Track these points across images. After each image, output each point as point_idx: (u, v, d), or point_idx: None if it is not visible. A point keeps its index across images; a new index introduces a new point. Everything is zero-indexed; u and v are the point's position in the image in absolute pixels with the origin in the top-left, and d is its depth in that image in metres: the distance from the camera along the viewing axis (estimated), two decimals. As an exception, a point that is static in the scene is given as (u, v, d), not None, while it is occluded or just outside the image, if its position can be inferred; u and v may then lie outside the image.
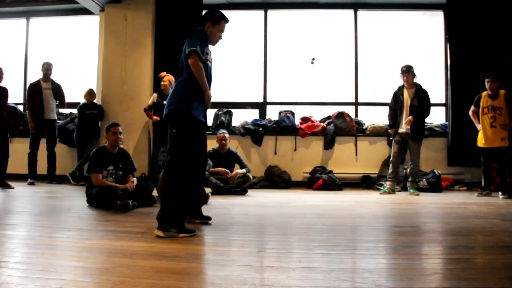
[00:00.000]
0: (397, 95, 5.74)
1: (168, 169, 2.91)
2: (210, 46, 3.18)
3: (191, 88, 2.99)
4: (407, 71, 5.64)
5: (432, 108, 7.00)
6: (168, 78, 5.73)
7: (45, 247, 2.58)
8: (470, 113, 5.69)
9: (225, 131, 5.83)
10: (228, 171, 5.45)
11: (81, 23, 7.58)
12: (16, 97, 7.56)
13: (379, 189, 5.85)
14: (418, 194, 5.46)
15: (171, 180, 2.89)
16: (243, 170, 5.58)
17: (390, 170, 5.71)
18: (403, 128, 5.63)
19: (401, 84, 5.75)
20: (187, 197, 3.00)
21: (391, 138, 5.88)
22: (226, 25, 3.23)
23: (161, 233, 2.82)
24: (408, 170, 5.72)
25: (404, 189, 5.89)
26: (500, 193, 5.34)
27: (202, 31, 3.10)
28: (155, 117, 5.75)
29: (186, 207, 3.00)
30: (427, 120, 6.80)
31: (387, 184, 5.69)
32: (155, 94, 5.95)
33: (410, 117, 5.53)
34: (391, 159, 5.78)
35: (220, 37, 3.23)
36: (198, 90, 3.00)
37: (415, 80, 5.68)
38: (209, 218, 3.32)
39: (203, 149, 3.18)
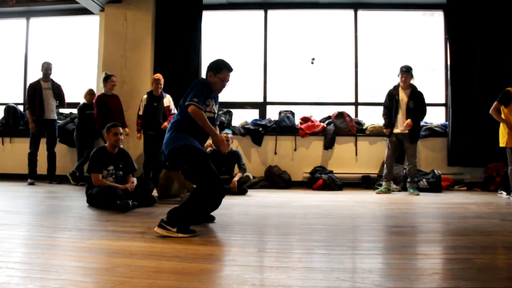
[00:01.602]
0: (392, 95, 5.69)
1: (201, 191, 2.95)
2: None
3: (185, 129, 3.11)
4: (407, 72, 5.59)
5: (432, 108, 7.08)
6: (161, 82, 5.83)
7: (45, 247, 2.58)
8: (493, 110, 5.25)
9: (229, 131, 5.81)
10: None
11: (81, 23, 7.58)
12: (16, 97, 7.58)
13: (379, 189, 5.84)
14: (418, 194, 5.45)
15: (204, 198, 2.94)
16: (240, 174, 5.58)
17: (385, 171, 5.71)
18: (399, 128, 5.60)
19: (397, 83, 5.71)
20: (209, 210, 3.09)
21: (386, 139, 5.84)
22: (230, 74, 3.24)
23: (160, 230, 2.84)
24: (406, 170, 5.71)
25: (404, 189, 5.88)
26: (505, 193, 5.30)
27: (201, 83, 3.16)
28: (138, 135, 5.89)
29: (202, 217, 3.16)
30: (426, 120, 6.84)
31: (384, 184, 5.71)
32: (144, 96, 5.95)
33: (409, 120, 5.49)
34: (385, 159, 5.76)
35: (223, 86, 3.25)
36: (192, 131, 3.11)
37: (412, 82, 5.63)
38: (213, 218, 3.35)
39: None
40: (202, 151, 3.13)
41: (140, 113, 5.88)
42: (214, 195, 2.96)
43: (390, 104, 5.69)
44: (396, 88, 5.70)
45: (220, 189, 2.98)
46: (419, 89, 5.67)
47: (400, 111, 5.61)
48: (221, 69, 3.20)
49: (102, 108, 5.96)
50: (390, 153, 5.70)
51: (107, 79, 6.04)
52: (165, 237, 2.80)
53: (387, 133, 5.73)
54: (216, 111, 3.30)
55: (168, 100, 5.95)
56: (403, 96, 5.62)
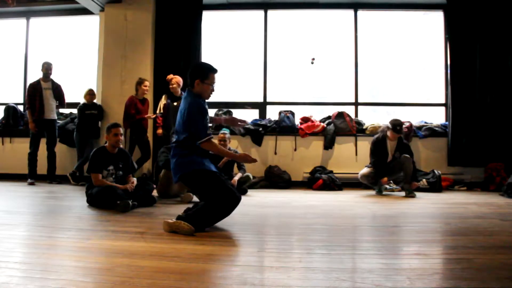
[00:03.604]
0: (380, 145, 5.54)
1: (217, 201, 3.05)
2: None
3: (187, 152, 3.13)
4: (398, 132, 5.43)
5: (432, 108, 7.10)
6: (176, 80, 5.91)
7: (45, 247, 2.58)
8: None
9: (226, 131, 5.78)
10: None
11: (81, 23, 7.58)
12: (16, 97, 7.58)
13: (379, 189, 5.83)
14: (413, 196, 5.26)
15: (219, 209, 3.05)
16: (239, 174, 5.58)
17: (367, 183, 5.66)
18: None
19: (382, 134, 5.57)
20: (221, 218, 3.15)
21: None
22: (216, 75, 3.21)
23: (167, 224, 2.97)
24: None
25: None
26: None
27: (196, 108, 3.11)
28: (159, 131, 5.99)
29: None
30: (427, 120, 6.85)
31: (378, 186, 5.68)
32: (164, 96, 6.01)
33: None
34: (360, 176, 5.64)
35: (212, 90, 3.23)
36: (198, 153, 3.15)
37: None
38: None
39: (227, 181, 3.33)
40: (211, 172, 3.15)
41: (162, 111, 5.99)
42: (227, 207, 3.07)
43: (379, 153, 5.54)
44: (384, 138, 5.55)
45: (233, 202, 3.07)
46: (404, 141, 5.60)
47: (387, 163, 5.54)
48: (207, 74, 3.16)
49: (133, 109, 6.02)
50: (368, 174, 5.58)
51: (141, 83, 6.11)
52: (169, 234, 2.80)
53: (385, 182, 5.59)
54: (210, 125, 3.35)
55: None
56: (390, 147, 5.53)
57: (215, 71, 3.20)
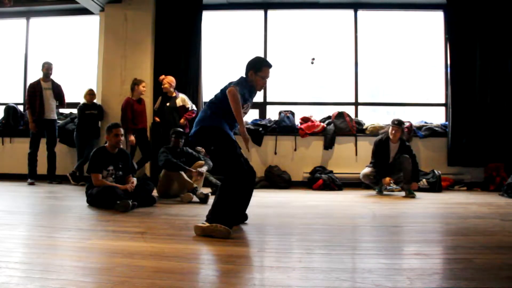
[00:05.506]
0: (382, 146, 5.55)
1: (229, 180, 2.99)
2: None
3: (219, 111, 3.14)
4: (398, 125, 5.44)
5: (432, 108, 7.10)
6: (167, 81, 6.01)
7: (45, 247, 2.58)
8: None
9: None
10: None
11: (81, 23, 7.58)
12: (16, 97, 7.58)
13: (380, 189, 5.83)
14: (413, 197, 5.25)
15: (233, 189, 2.97)
16: (206, 167, 5.49)
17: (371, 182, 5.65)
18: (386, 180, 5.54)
19: (385, 135, 5.56)
20: (243, 201, 3.13)
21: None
22: (270, 70, 3.40)
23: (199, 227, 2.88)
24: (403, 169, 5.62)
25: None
26: None
27: (245, 80, 3.29)
28: (156, 118, 6.24)
29: (240, 211, 3.17)
30: (427, 120, 6.85)
31: (378, 186, 5.68)
32: (160, 98, 6.19)
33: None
34: (362, 176, 5.64)
35: (264, 83, 3.39)
36: (225, 114, 3.15)
37: (401, 135, 5.51)
38: (246, 217, 3.40)
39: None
40: (232, 138, 3.16)
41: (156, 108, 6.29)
42: (241, 182, 2.99)
43: (380, 154, 5.55)
44: (387, 140, 5.54)
45: (247, 175, 3.03)
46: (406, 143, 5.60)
47: (388, 164, 5.55)
48: (261, 67, 3.33)
49: (129, 112, 6.03)
50: (370, 173, 5.58)
51: (138, 84, 6.09)
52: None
53: (387, 183, 5.54)
54: (247, 112, 3.39)
55: (181, 100, 6.02)
56: (392, 150, 5.53)
57: (269, 65, 3.37)
